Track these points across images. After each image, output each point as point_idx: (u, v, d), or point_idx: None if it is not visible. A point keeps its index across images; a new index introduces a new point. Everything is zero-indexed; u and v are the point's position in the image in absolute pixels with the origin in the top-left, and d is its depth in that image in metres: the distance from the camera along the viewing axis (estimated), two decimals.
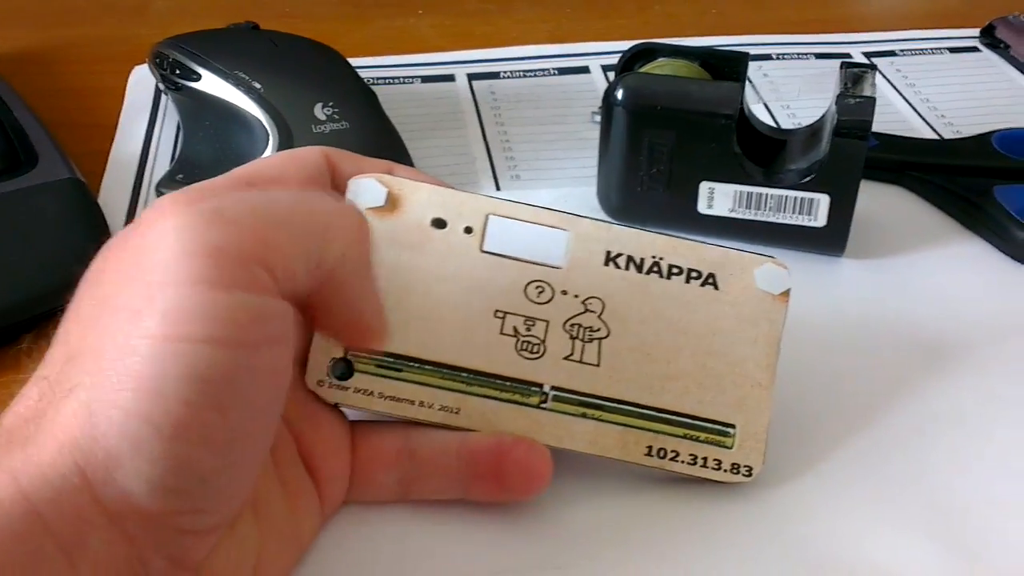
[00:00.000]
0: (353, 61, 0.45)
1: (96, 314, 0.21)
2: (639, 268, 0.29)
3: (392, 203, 0.28)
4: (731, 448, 0.29)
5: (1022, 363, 0.34)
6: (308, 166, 0.28)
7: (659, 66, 0.40)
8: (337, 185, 0.28)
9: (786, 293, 0.29)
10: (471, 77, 0.52)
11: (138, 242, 0.22)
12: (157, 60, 0.44)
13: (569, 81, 0.52)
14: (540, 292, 0.29)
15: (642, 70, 0.40)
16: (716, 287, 0.29)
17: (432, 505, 0.29)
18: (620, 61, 0.41)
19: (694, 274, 0.29)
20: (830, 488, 0.30)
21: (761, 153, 0.39)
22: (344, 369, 0.28)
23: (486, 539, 0.28)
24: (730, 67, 0.40)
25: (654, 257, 0.29)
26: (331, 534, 0.28)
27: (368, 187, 0.28)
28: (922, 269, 0.39)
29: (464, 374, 0.28)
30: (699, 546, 0.28)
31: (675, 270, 0.29)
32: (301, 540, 0.27)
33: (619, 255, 0.29)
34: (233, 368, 0.21)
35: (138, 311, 0.20)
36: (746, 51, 0.40)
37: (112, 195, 0.42)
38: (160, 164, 0.44)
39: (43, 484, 0.20)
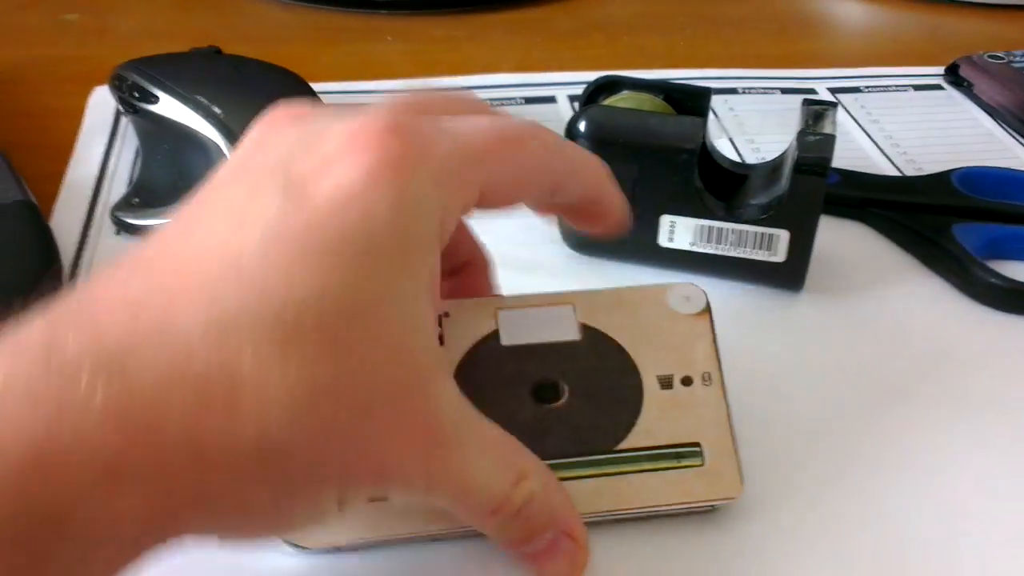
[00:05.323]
0: (319, 86, 0.45)
1: None
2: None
3: None
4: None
5: (980, 400, 0.34)
6: (535, 188, 0.28)
7: (623, 99, 0.40)
8: (554, 197, 0.28)
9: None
10: None
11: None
12: (116, 82, 0.44)
13: (536, 111, 0.52)
14: None
15: (605, 103, 0.40)
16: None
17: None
18: (584, 93, 0.41)
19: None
20: (781, 523, 0.30)
21: (723, 187, 0.39)
22: None
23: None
24: (693, 101, 0.40)
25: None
26: None
27: None
28: (880, 307, 0.39)
29: None
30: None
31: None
32: None
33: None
34: None
35: None
36: (709, 86, 0.40)
37: (64, 218, 0.41)
38: (117, 187, 0.43)
39: None
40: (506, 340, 0.29)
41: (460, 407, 0.24)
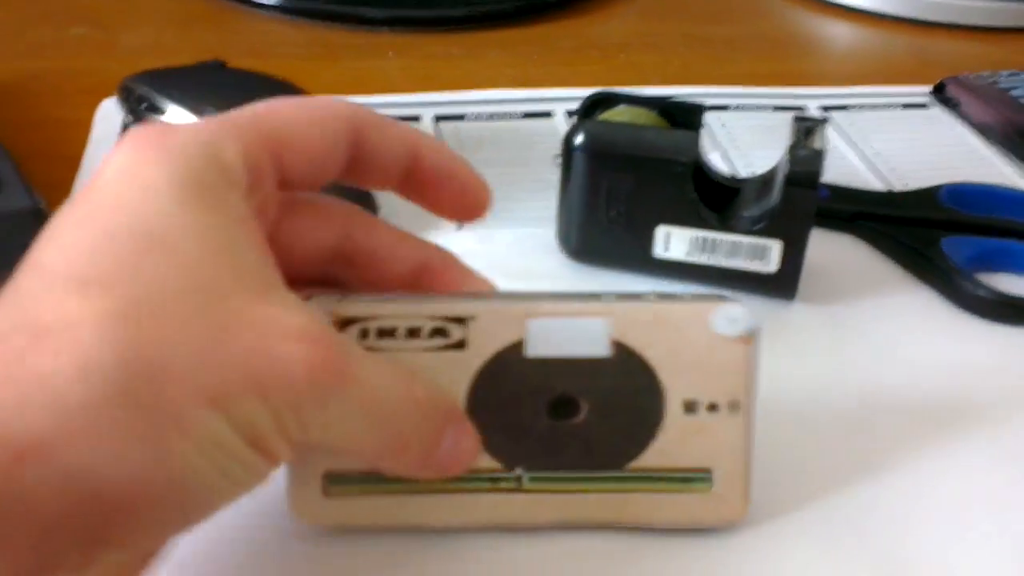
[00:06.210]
0: None
1: None
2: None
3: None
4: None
5: (967, 410, 0.35)
6: (332, 134, 0.27)
7: (618, 113, 0.41)
8: (363, 156, 0.27)
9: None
10: (437, 118, 0.53)
11: None
12: (124, 94, 0.45)
13: (533, 125, 0.53)
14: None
15: (601, 117, 0.41)
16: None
17: None
18: (580, 107, 0.42)
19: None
20: (774, 539, 0.30)
21: (716, 200, 0.40)
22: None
23: None
24: (687, 116, 0.41)
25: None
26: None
27: None
28: (871, 316, 0.40)
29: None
30: None
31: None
32: None
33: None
34: None
35: None
36: (703, 101, 0.41)
37: None
38: None
39: None
40: (531, 351, 0.28)
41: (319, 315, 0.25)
